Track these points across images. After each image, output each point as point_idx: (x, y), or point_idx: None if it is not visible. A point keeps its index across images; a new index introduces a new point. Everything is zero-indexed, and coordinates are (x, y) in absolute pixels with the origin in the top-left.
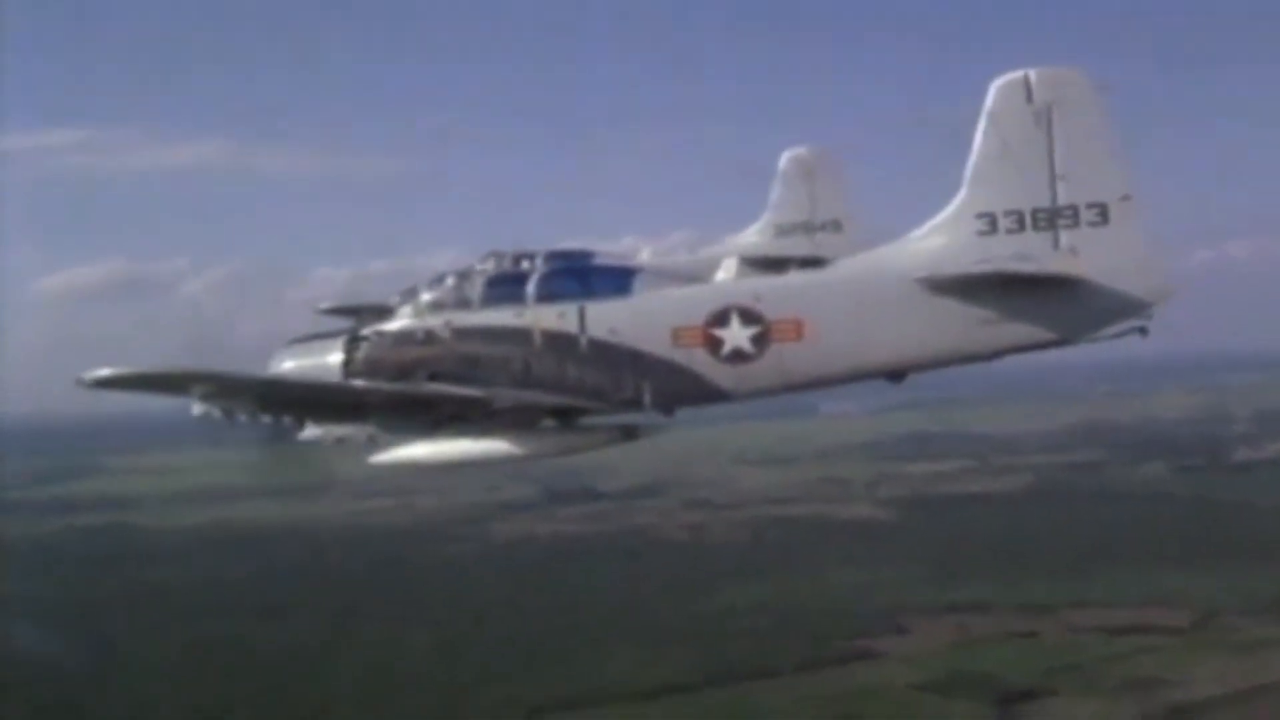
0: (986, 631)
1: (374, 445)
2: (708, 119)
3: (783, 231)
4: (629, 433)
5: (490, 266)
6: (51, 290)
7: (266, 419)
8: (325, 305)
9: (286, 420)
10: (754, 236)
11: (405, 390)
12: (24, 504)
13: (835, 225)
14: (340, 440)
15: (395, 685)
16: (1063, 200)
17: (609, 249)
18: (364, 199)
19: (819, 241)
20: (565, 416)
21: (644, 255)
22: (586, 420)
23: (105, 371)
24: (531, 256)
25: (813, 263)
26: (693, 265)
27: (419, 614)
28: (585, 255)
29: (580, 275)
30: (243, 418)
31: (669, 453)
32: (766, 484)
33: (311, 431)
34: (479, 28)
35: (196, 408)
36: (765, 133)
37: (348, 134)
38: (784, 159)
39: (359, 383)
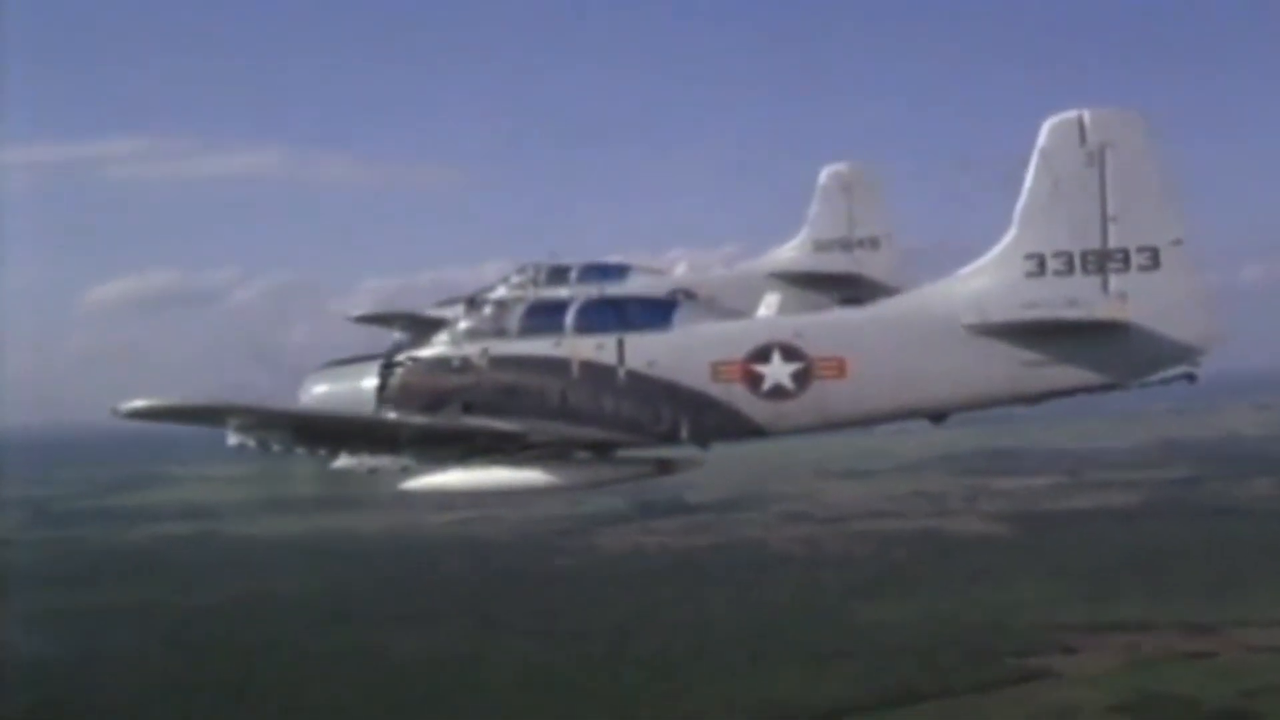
0: (1158, 651)
1: (407, 476)
2: (761, 135)
3: (820, 247)
4: (663, 466)
5: (527, 278)
6: (103, 300)
7: (301, 450)
8: (358, 313)
9: (321, 450)
10: (791, 252)
11: (441, 425)
12: (101, 512)
13: (873, 242)
14: (374, 470)
15: (558, 699)
16: (1113, 243)
17: (648, 262)
18: (417, 208)
19: (857, 258)
20: (600, 448)
21: (680, 270)
22: (621, 453)
23: (140, 403)
24: (567, 269)
25: (849, 279)
26: (728, 280)
27: (555, 627)
28: (621, 269)
29: (619, 307)
30: (277, 448)
31: (746, 465)
32: (858, 498)
33: (345, 461)
34: (538, 37)
35: (232, 438)
36: (816, 151)
37: (403, 142)
38: (823, 175)
39: (394, 416)
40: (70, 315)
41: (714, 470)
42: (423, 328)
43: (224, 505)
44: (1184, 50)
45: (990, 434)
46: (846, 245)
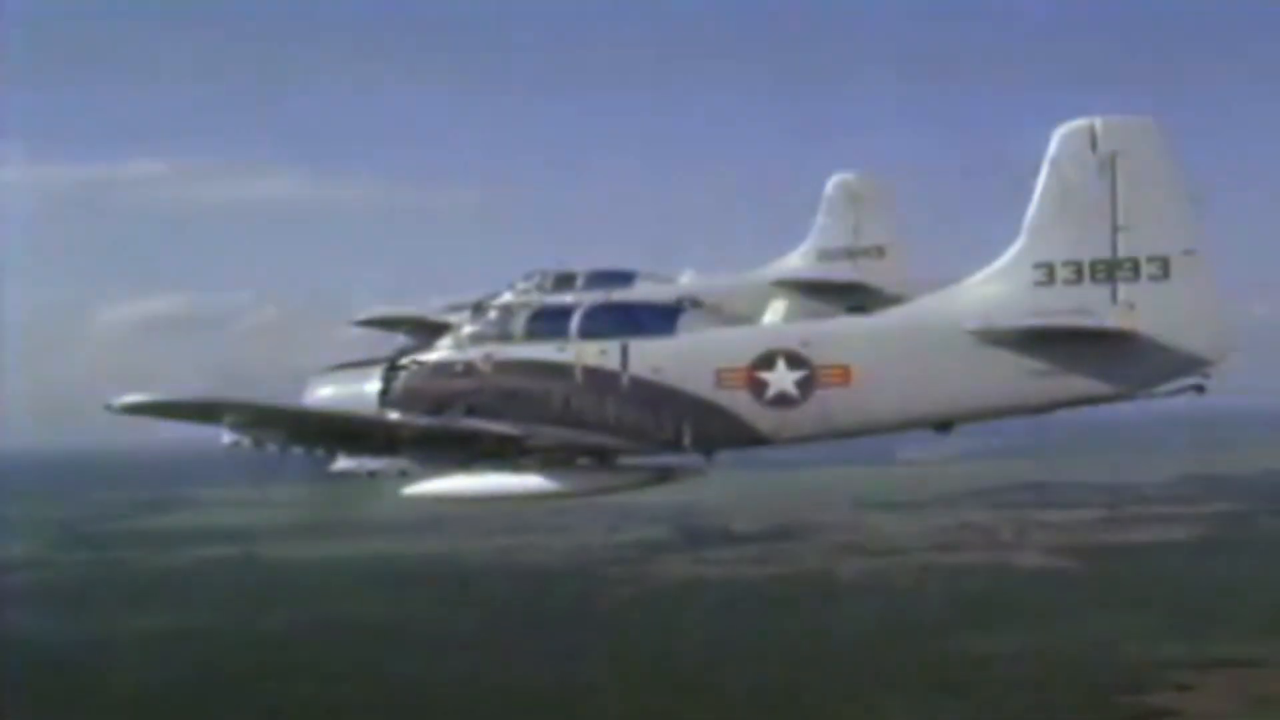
0: (1276, 689)
1: (407, 479)
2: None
3: (825, 256)
4: (665, 474)
5: (533, 285)
6: (109, 322)
7: (298, 451)
8: (362, 317)
9: (319, 452)
10: (797, 260)
11: (440, 425)
12: (131, 534)
13: (878, 251)
14: (373, 474)
15: None
16: (1123, 252)
17: (653, 271)
18: (437, 230)
19: (861, 267)
20: (602, 455)
21: (686, 278)
22: (623, 460)
23: (134, 398)
24: (573, 276)
25: (853, 288)
26: (733, 288)
27: (642, 658)
28: (627, 276)
29: (625, 312)
30: (274, 448)
31: (782, 496)
32: (905, 530)
33: (344, 464)
34: (557, 59)
35: (227, 437)
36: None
37: (426, 163)
38: (830, 184)
39: (393, 416)
40: (79, 336)
41: (750, 500)
42: (427, 331)
43: (256, 529)
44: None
45: (1019, 468)
46: (851, 254)
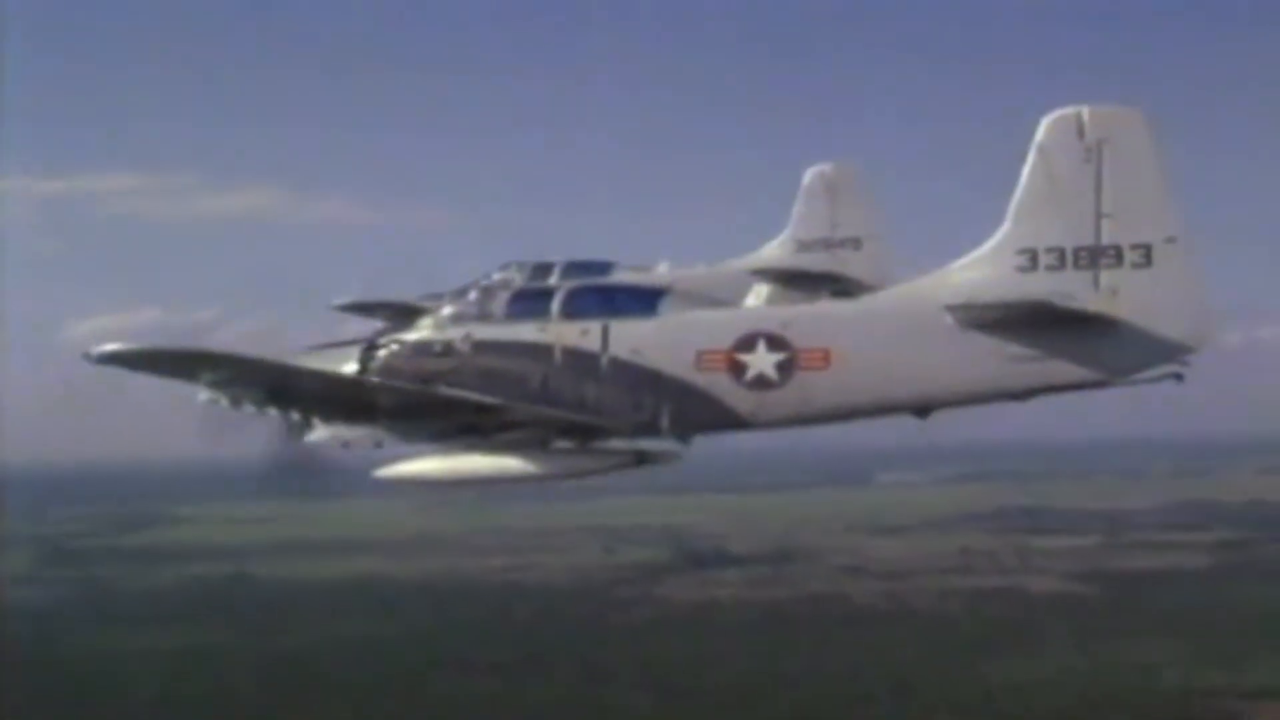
0: None
1: (381, 449)
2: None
3: (802, 247)
4: (641, 458)
5: (510, 274)
6: (77, 338)
7: (273, 413)
8: (341, 301)
9: (293, 418)
10: (774, 250)
11: (420, 390)
12: (116, 552)
13: (855, 243)
14: (347, 445)
15: None
16: (1106, 240)
17: (632, 262)
18: (412, 248)
19: (839, 258)
20: (579, 436)
21: (663, 268)
22: (599, 444)
23: (114, 346)
24: (550, 266)
25: (829, 279)
26: (710, 278)
27: (669, 681)
28: (604, 266)
29: (606, 294)
30: (250, 410)
31: (769, 519)
32: (905, 554)
33: (319, 434)
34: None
35: (203, 395)
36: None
37: (401, 182)
38: (808, 175)
39: (374, 380)
40: (49, 351)
41: (740, 523)
42: (406, 317)
43: (242, 546)
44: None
45: (1002, 493)
46: (829, 245)
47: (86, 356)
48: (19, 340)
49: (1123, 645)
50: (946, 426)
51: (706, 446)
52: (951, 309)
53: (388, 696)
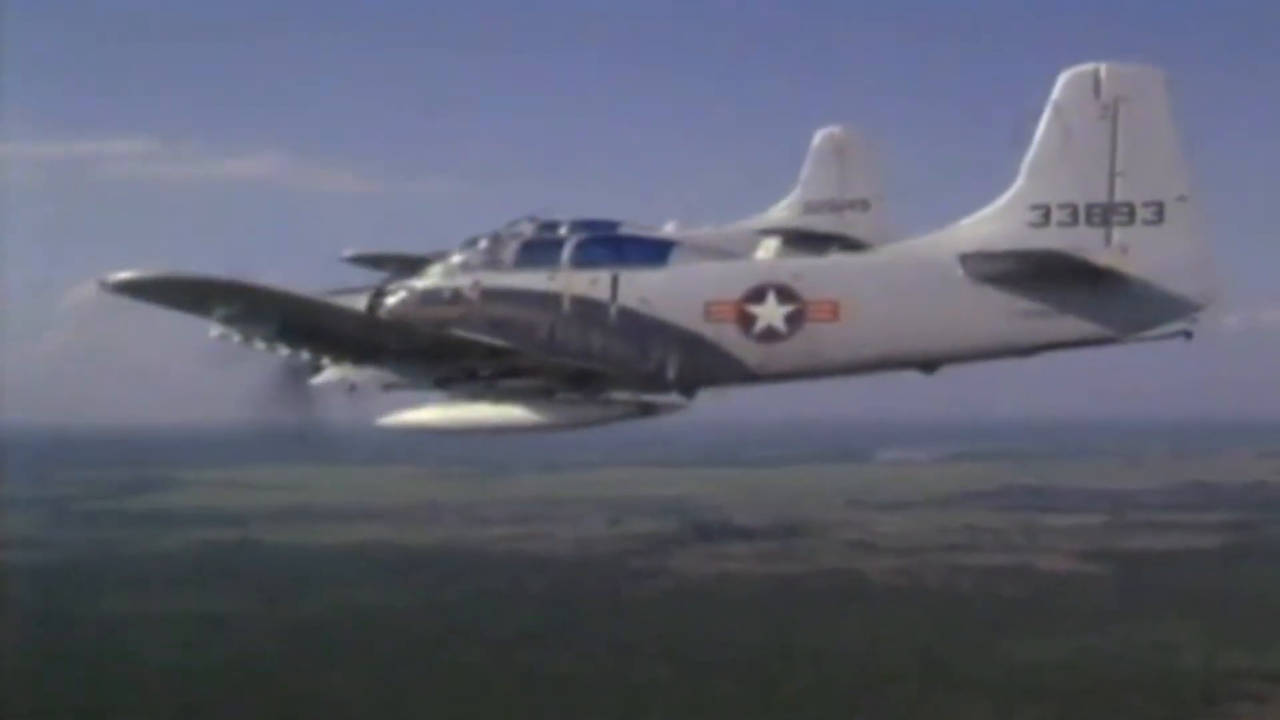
0: None
1: (388, 392)
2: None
3: (810, 209)
4: (646, 409)
5: (520, 230)
6: (81, 298)
7: (284, 350)
8: (350, 253)
9: (303, 357)
10: (783, 212)
11: (435, 333)
12: (120, 515)
13: (862, 204)
14: (354, 387)
15: None
16: (1119, 197)
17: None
18: (420, 216)
19: (846, 219)
20: (584, 386)
21: (670, 228)
22: (605, 395)
23: (128, 274)
24: (556, 225)
25: (836, 239)
26: (718, 238)
27: (688, 653)
28: (611, 225)
29: (617, 244)
30: (261, 345)
31: (772, 493)
32: (911, 529)
33: (327, 375)
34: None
35: (215, 329)
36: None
37: (409, 153)
38: (817, 137)
39: (388, 320)
40: (49, 313)
41: (743, 496)
42: (415, 270)
43: (246, 512)
44: None
45: (1003, 471)
46: (836, 207)
47: (102, 285)
48: (20, 303)
49: (1138, 625)
50: (947, 404)
51: (704, 418)
52: (964, 259)
53: (408, 666)
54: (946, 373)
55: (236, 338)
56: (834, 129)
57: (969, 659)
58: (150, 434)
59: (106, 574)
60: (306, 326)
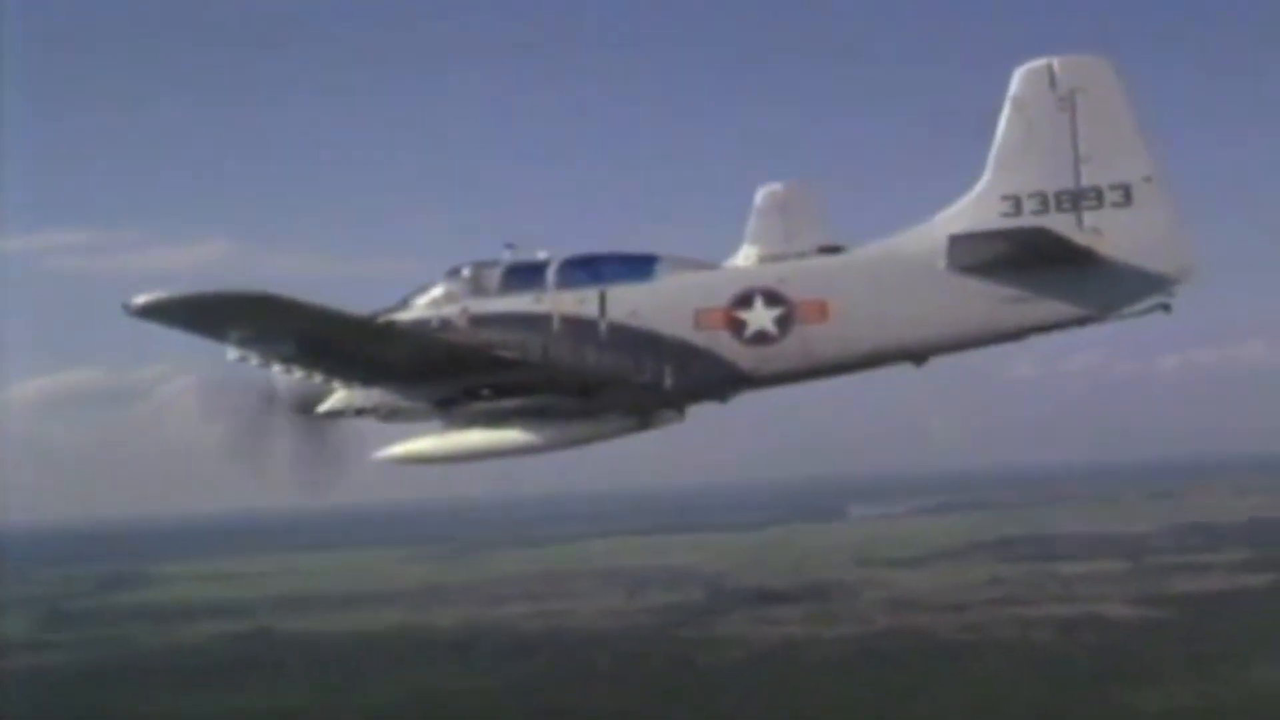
0: None
1: (394, 418)
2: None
3: (765, 259)
4: (643, 423)
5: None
6: (22, 398)
7: (300, 369)
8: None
9: (318, 373)
10: (740, 263)
11: (454, 343)
12: (118, 612)
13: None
14: (360, 412)
15: None
16: (1086, 182)
17: None
18: (369, 300)
19: None
20: (585, 401)
21: None
22: (600, 412)
23: (145, 297)
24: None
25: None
26: None
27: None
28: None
29: (600, 262)
30: (278, 365)
31: (769, 556)
32: (940, 585)
33: (333, 402)
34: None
35: (232, 351)
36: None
37: (352, 236)
38: (760, 195)
39: (410, 330)
40: None
41: (741, 561)
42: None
43: (242, 602)
44: None
45: (993, 521)
46: (782, 259)
47: (125, 307)
48: None
49: (1241, 668)
50: (909, 458)
51: (654, 488)
52: (952, 241)
53: None
54: (901, 430)
55: (253, 360)
56: (775, 186)
57: (1104, 715)
58: (107, 529)
59: (138, 672)
60: (324, 343)
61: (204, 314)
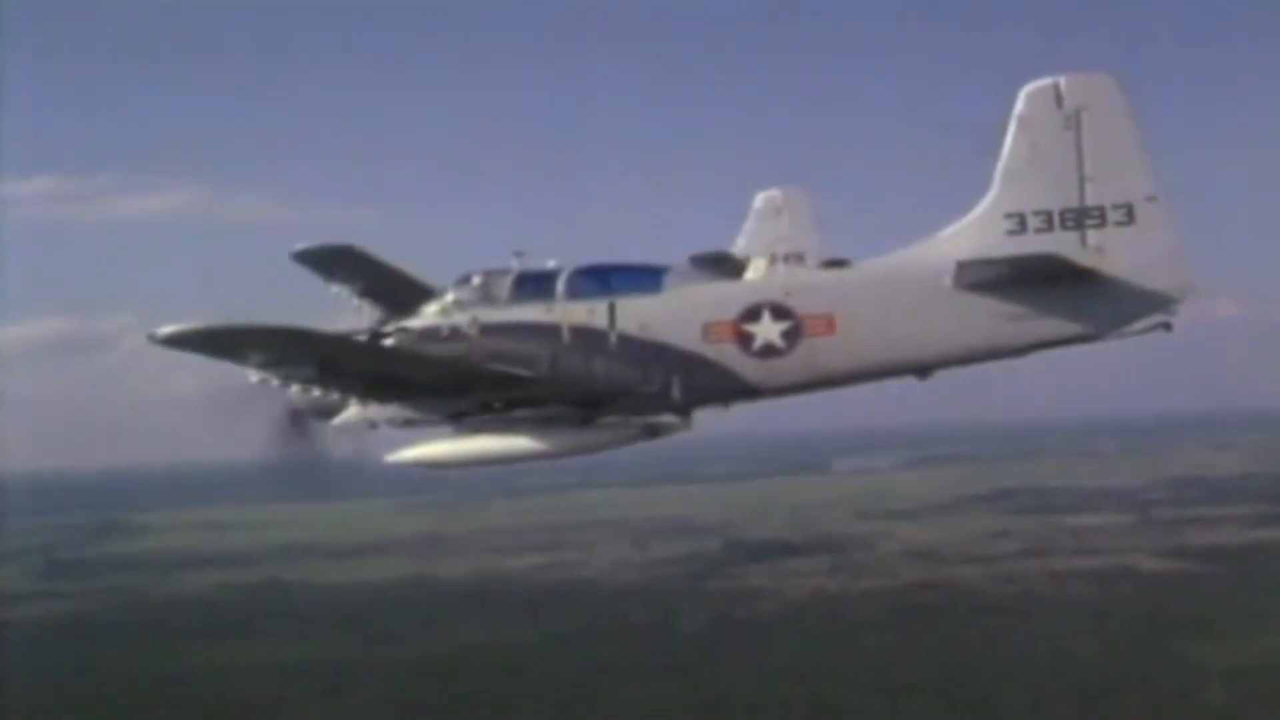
0: None
1: (407, 429)
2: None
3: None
4: (652, 431)
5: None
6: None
7: (320, 389)
8: (300, 248)
9: (336, 392)
10: None
11: (466, 366)
12: (117, 561)
13: (798, 257)
14: (374, 425)
15: None
16: (1090, 201)
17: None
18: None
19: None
20: (596, 411)
21: None
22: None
23: (169, 330)
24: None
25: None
26: None
27: (868, 677)
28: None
29: (610, 273)
30: (298, 386)
31: (765, 508)
32: (950, 537)
33: (348, 416)
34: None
35: (253, 375)
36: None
37: (324, 185)
38: (758, 199)
39: (421, 354)
40: None
41: (741, 512)
42: (369, 271)
43: (250, 553)
44: None
45: (980, 474)
46: (773, 260)
47: (150, 338)
48: None
49: None
50: (887, 412)
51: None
52: (960, 266)
53: (571, 704)
54: (874, 385)
55: (274, 381)
56: (773, 191)
57: (1167, 668)
58: (85, 479)
59: (147, 624)
60: (341, 366)
61: (225, 344)
